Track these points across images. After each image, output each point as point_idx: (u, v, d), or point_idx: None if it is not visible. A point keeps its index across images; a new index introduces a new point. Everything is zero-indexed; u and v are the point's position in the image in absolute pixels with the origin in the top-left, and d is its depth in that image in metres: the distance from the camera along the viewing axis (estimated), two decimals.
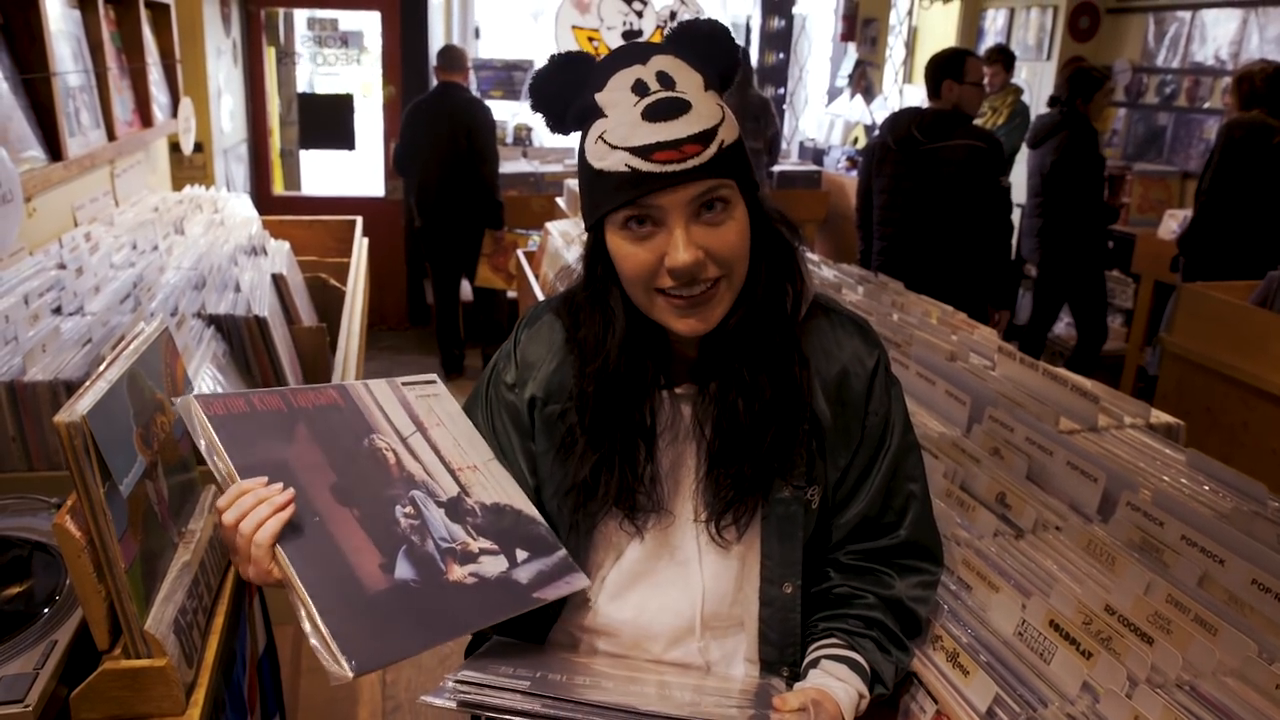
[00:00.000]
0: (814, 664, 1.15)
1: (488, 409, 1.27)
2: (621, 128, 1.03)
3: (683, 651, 1.19)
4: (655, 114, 1.02)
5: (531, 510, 1.18)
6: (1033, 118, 5.91)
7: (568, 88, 1.10)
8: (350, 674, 0.89)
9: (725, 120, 1.05)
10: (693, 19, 1.12)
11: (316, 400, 1.17)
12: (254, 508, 0.97)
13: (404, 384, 1.27)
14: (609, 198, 1.04)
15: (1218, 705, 1.07)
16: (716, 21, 1.13)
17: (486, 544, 1.10)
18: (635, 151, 1.01)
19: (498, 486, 1.19)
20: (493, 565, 1.09)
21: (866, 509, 1.19)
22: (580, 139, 1.09)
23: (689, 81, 1.04)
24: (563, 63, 1.11)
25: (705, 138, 1.02)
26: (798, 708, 1.05)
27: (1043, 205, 4.68)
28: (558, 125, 1.13)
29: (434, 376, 1.32)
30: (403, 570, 1.01)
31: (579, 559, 1.19)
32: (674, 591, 1.18)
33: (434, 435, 1.21)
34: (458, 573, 1.05)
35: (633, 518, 1.16)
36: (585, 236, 1.16)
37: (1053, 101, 4.70)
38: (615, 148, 1.02)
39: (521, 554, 1.12)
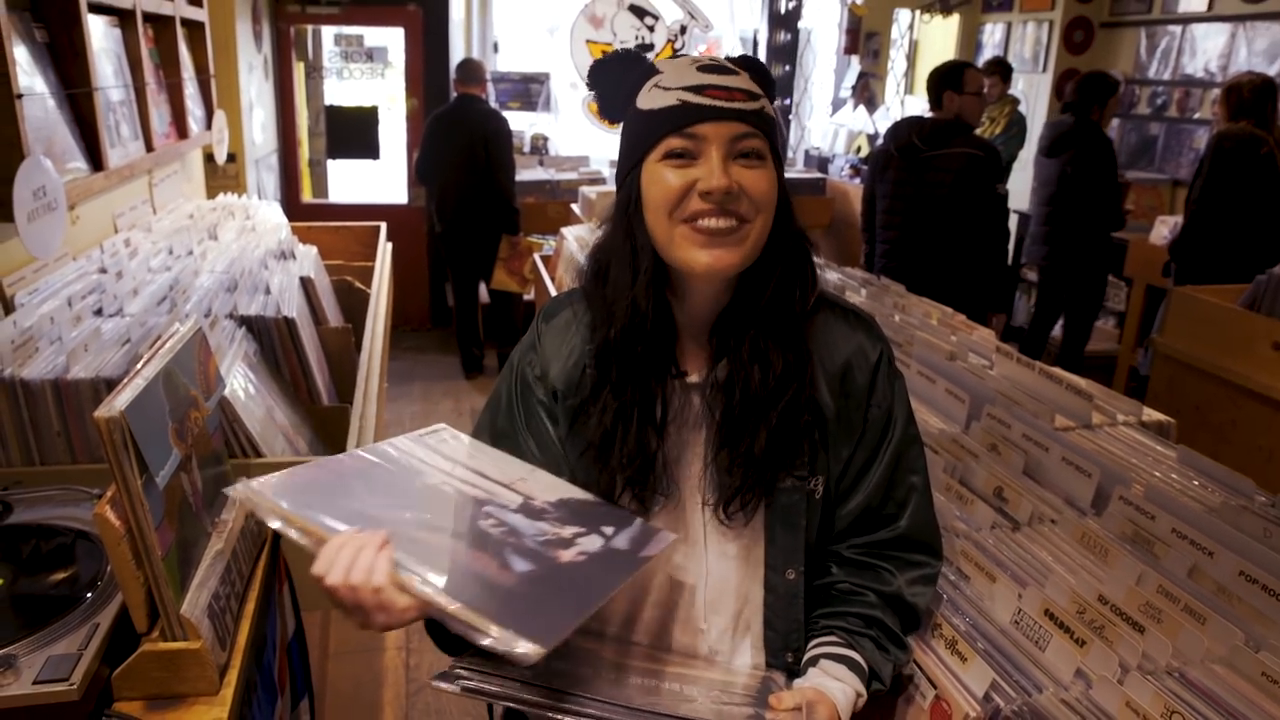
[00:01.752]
0: (813, 662, 1.14)
1: (521, 403, 1.23)
2: (678, 76, 1.09)
3: (687, 637, 1.18)
4: (709, 69, 1.10)
5: (592, 496, 1.15)
6: (1029, 127, 5.90)
7: (627, 77, 1.15)
8: (543, 649, 0.85)
9: (767, 101, 1.12)
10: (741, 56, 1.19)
11: (354, 464, 1.13)
12: (356, 557, 0.91)
13: (420, 435, 1.23)
14: (655, 131, 1.08)
15: (1206, 691, 1.06)
16: (758, 60, 1.20)
17: (575, 529, 1.07)
18: (688, 89, 1.07)
19: (552, 487, 1.16)
20: (590, 543, 1.05)
21: (868, 499, 1.18)
22: (634, 104, 1.13)
23: (741, 75, 1.12)
24: (627, 55, 1.16)
25: (751, 96, 1.09)
26: (792, 707, 1.04)
27: (1055, 215, 4.55)
28: (617, 113, 1.17)
29: (440, 425, 1.27)
30: (519, 565, 0.98)
31: None
32: (679, 576, 1.18)
33: (475, 464, 1.18)
34: (566, 556, 1.02)
35: (641, 499, 1.15)
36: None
37: (1066, 108, 4.57)
38: (668, 89, 1.09)
39: (608, 529, 1.08)
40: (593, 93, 1.18)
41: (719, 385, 1.13)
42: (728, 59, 1.15)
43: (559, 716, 0.96)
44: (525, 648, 0.85)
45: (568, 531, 1.06)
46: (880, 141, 4.10)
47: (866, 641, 1.15)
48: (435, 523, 1.04)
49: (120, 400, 1.05)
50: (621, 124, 1.16)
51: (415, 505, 1.07)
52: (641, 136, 1.11)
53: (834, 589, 1.20)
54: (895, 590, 1.18)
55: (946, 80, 3.71)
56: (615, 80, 1.16)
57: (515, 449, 1.21)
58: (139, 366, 1.16)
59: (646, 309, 1.12)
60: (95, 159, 2.32)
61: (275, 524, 0.98)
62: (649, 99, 1.10)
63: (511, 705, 0.97)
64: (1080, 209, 4.51)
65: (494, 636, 0.86)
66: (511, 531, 1.04)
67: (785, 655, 1.18)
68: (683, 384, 1.16)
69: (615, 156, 5.48)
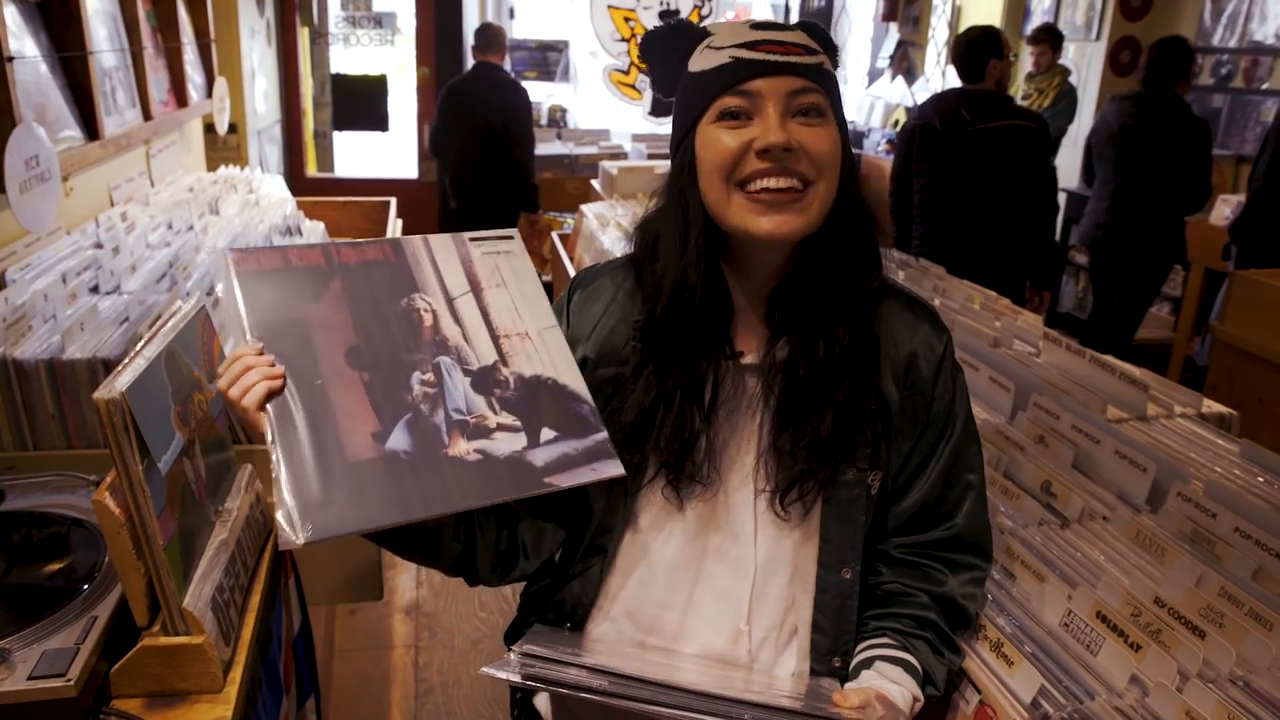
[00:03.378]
0: (867, 664, 1.14)
1: None
2: (730, 36, 1.09)
3: (729, 638, 1.17)
4: (763, 26, 1.10)
5: (579, 386, 1.11)
6: (1080, 99, 5.83)
7: (678, 46, 1.15)
8: (299, 541, 0.88)
9: (826, 58, 1.12)
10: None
11: (362, 256, 1.12)
12: (243, 374, 0.98)
13: (471, 239, 1.20)
14: (709, 90, 1.08)
15: (1274, 702, 1.05)
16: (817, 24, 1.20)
17: (507, 419, 1.05)
18: (741, 45, 1.07)
19: (545, 357, 1.13)
20: (507, 443, 1.03)
21: (925, 496, 1.18)
22: (683, 76, 1.15)
23: (796, 31, 1.12)
24: (678, 24, 1.17)
25: (808, 50, 1.09)
26: (859, 704, 1.03)
27: (1129, 197, 4.36)
28: (660, 81, 1.18)
29: (512, 232, 1.23)
30: (397, 441, 0.98)
31: (621, 537, 1.18)
32: (725, 575, 1.16)
33: (488, 297, 1.15)
34: (461, 447, 1.01)
35: (677, 487, 1.14)
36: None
37: (1147, 81, 4.31)
38: (720, 49, 1.09)
39: (548, 434, 1.05)
40: (644, 69, 1.19)
41: (778, 365, 1.12)
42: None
43: (630, 704, 0.95)
44: (291, 535, 0.89)
45: (494, 420, 1.04)
46: (913, 115, 4.02)
47: (920, 643, 1.14)
48: (369, 357, 1.04)
49: (121, 381, 1.05)
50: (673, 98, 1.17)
51: (367, 331, 1.06)
52: (695, 99, 1.10)
53: (881, 589, 1.19)
54: (948, 591, 1.17)
55: (988, 47, 3.66)
56: (666, 50, 1.16)
57: None
58: (140, 346, 1.16)
59: (696, 282, 1.11)
60: (90, 127, 2.33)
61: (220, 292, 1.02)
62: (701, 60, 1.11)
63: (573, 694, 0.96)
64: (1162, 192, 4.31)
65: (281, 508, 0.90)
66: (435, 397, 1.03)
67: (832, 660, 1.17)
68: (736, 365, 1.15)
69: (636, 130, 5.44)
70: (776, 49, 1.07)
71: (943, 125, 3.70)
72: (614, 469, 1.06)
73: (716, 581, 1.17)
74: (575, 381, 1.12)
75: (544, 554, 1.21)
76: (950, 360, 1.19)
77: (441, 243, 1.17)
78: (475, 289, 1.15)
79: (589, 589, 1.20)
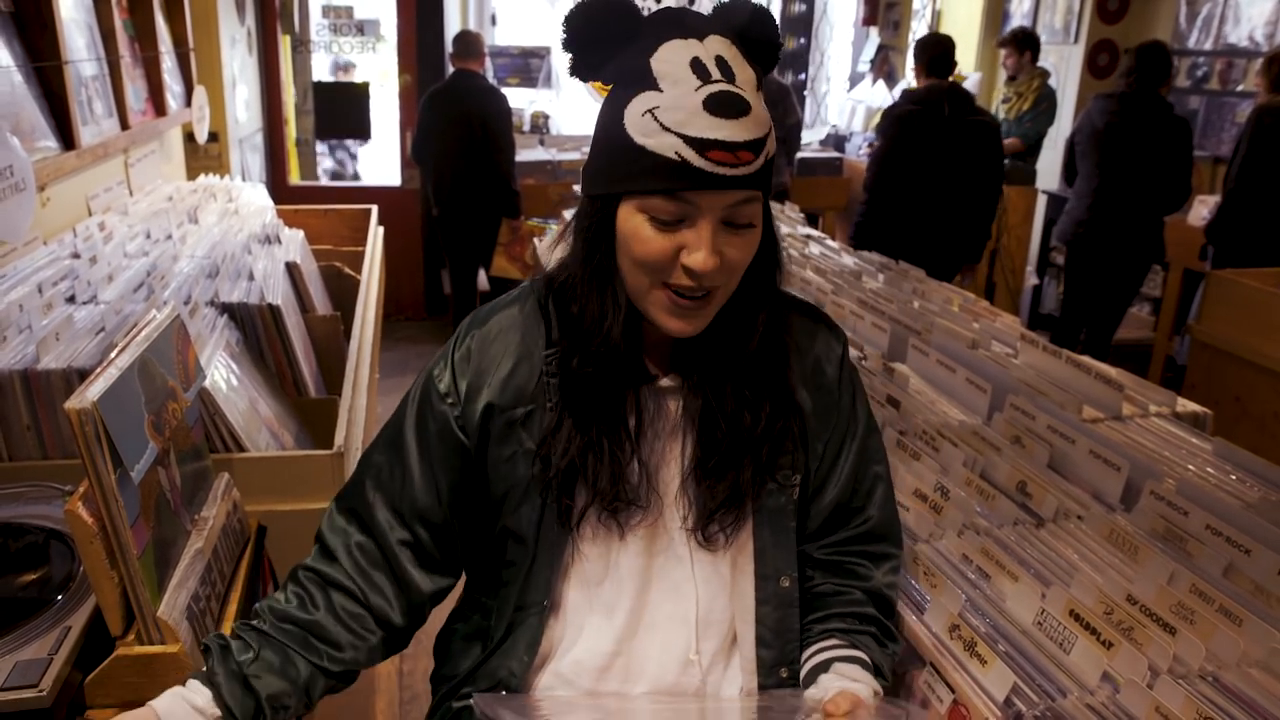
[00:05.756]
0: (824, 667, 1.13)
1: (419, 415, 1.18)
2: (679, 111, 0.97)
3: (679, 668, 1.15)
4: (718, 108, 0.97)
5: None
6: (1059, 102, 5.86)
7: (610, 36, 1.03)
8: None
9: (771, 131, 1.02)
10: (733, 1, 1.07)
11: None
12: None
13: None
14: (644, 179, 1.00)
15: (1241, 697, 1.06)
16: (760, 6, 1.09)
17: None
18: (690, 142, 0.97)
19: None
20: None
21: (839, 494, 1.21)
22: (616, 100, 1.03)
23: (746, 78, 1.01)
24: (606, 6, 1.03)
25: (758, 147, 0.99)
26: (848, 710, 1.03)
27: (1111, 197, 4.35)
28: (588, 72, 1.07)
29: None
30: None
31: (557, 570, 1.15)
32: (669, 603, 1.15)
33: None
34: None
35: (616, 515, 1.12)
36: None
37: (1133, 84, 4.28)
38: (668, 130, 0.98)
39: None
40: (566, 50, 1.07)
41: (697, 397, 1.13)
42: (720, 10, 1.06)
43: None
44: None
45: None
46: (907, 99, 4.25)
47: (867, 639, 1.17)
48: None
49: (93, 391, 1.05)
50: (602, 94, 1.08)
51: None
52: (626, 172, 1.01)
53: (813, 591, 1.21)
54: (875, 585, 1.21)
55: (953, 51, 4.14)
56: (595, 38, 1.04)
57: (401, 462, 1.18)
58: (113, 355, 1.16)
59: (620, 341, 1.08)
60: (66, 137, 2.32)
61: None
62: (642, 127, 0.99)
63: None
64: (1143, 190, 4.30)
65: None
66: None
67: (780, 671, 1.17)
68: (654, 389, 1.14)
69: None
70: (726, 158, 0.97)
71: (951, 110, 4.04)
72: None
73: (662, 611, 1.15)
74: None
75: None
76: (848, 359, 1.24)
77: None
78: None
79: (532, 641, 1.16)
